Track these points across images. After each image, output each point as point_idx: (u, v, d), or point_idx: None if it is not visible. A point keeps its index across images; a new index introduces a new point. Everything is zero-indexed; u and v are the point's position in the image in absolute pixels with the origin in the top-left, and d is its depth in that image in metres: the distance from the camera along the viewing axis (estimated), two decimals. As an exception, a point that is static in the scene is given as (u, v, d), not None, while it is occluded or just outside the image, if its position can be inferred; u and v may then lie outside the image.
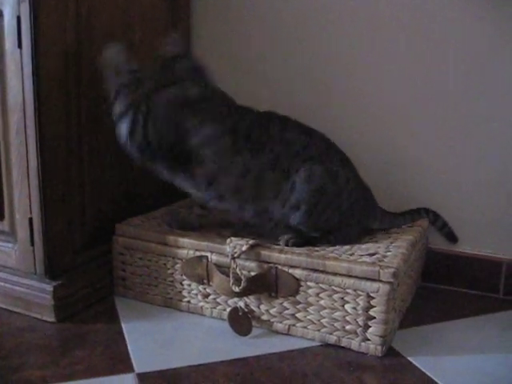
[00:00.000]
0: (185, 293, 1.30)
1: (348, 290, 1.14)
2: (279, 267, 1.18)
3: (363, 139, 1.51)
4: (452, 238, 1.47)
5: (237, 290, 1.18)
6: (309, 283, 1.17)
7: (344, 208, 1.25)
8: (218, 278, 1.22)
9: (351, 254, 1.19)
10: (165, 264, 1.31)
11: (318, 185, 1.21)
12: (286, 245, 1.23)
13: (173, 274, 1.30)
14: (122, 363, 1.10)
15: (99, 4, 1.29)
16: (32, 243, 1.23)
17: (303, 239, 1.25)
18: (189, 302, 1.30)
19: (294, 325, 1.20)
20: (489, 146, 1.43)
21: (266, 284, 1.19)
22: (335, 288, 1.15)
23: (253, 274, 1.20)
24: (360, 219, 1.30)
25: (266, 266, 1.19)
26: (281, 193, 1.22)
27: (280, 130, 1.25)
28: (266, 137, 1.24)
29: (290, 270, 1.17)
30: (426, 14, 1.43)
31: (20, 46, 1.14)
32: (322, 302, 1.16)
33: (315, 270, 1.16)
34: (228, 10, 1.65)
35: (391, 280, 1.10)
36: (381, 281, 1.10)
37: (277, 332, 1.22)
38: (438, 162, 1.48)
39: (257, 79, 1.64)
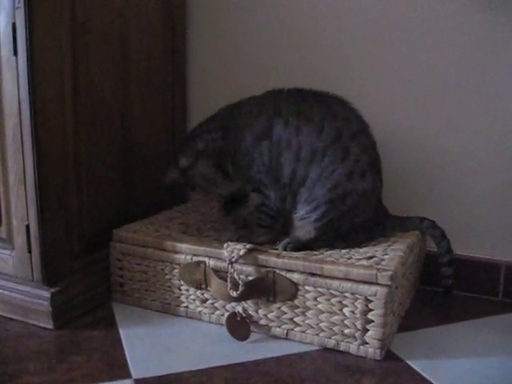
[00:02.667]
0: (183, 298, 1.30)
1: (346, 294, 1.13)
2: (277, 271, 1.18)
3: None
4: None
5: (234, 294, 1.18)
6: (307, 287, 1.16)
7: (359, 216, 1.26)
8: (215, 282, 1.22)
9: (349, 258, 1.19)
10: (162, 269, 1.31)
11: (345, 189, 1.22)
12: (285, 249, 1.23)
13: (170, 279, 1.30)
14: (120, 369, 1.09)
15: (95, 9, 1.30)
16: (29, 250, 1.23)
17: (301, 244, 1.24)
18: (187, 307, 1.30)
19: (292, 329, 1.20)
20: (489, 150, 1.43)
21: (264, 288, 1.19)
22: (333, 292, 1.14)
23: (250, 278, 1.20)
24: (368, 231, 1.30)
25: (263, 270, 1.19)
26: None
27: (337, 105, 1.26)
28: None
29: (288, 275, 1.17)
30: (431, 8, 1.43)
31: (15, 53, 1.14)
32: (320, 306, 1.16)
33: (313, 274, 1.16)
34: (223, 13, 1.65)
35: (389, 283, 1.10)
36: (378, 284, 1.10)
37: (275, 336, 1.22)
38: (437, 165, 1.48)
39: (252, 80, 1.64)
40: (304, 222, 1.25)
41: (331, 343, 1.17)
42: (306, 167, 1.22)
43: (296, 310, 1.18)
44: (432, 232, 1.37)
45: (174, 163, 1.35)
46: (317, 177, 1.21)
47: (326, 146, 1.21)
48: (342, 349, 1.16)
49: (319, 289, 1.15)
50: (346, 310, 1.14)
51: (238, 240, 1.25)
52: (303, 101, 1.26)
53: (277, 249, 1.23)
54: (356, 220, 1.25)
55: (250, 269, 1.20)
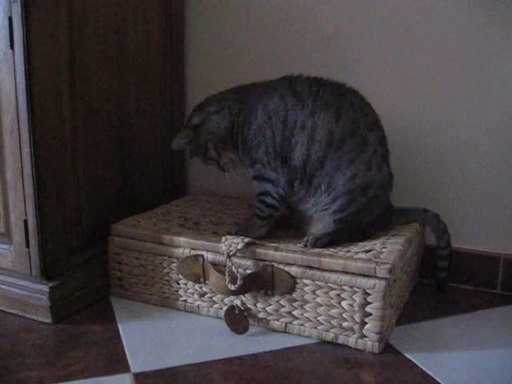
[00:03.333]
0: (181, 292, 1.30)
1: (344, 287, 1.13)
2: (275, 265, 1.18)
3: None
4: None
5: (233, 288, 1.18)
6: (305, 281, 1.16)
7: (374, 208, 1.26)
8: (214, 276, 1.22)
9: (347, 251, 1.19)
10: (161, 263, 1.31)
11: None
12: (314, 245, 1.21)
13: (169, 273, 1.30)
14: (119, 363, 1.09)
15: (92, 3, 1.29)
16: (27, 245, 1.23)
17: (332, 237, 1.23)
18: (185, 301, 1.30)
19: (290, 322, 1.20)
20: (490, 144, 1.43)
21: (262, 282, 1.19)
22: (331, 285, 1.14)
23: (249, 272, 1.20)
24: (382, 223, 1.32)
25: (261, 263, 1.19)
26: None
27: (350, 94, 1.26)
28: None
29: (286, 268, 1.17)
30: (432, 5, 1.43)
31: (12, 46, 1.14)
32: (318, 300, 1.16)
33: (311, 268, 1.16)
34: (222, 7, 1.65)
35: (387, 276, 1.10)
36: (377, 277, 1.10)
37: (273, 330, 1.22)
38: (438, 159, 1.48)
39: (251, 74, 1.62)
40: (322, 214, 1.25)
41: (329, 336, 1.17)
42: (323, 151, 1.21)
43: (294, 304, 1.19)
44: (435, 224, 1.38)
45: (186, 125, 1.33)
46: (336, 164, 1.20)
47: (344, 133, 1.20)
48: (340, 342, 1.16)
49: (317, 282, 1.15)
50: (344, 303, 1.14)
51: (235, 234, 1.25)
52: (321, 86, 1.25)
53: (306, 245, 1.22)
54: (376, 212, 1.26)
55: (248, 262, 1.20)
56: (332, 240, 1.23)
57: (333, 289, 1.14)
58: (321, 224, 1.25)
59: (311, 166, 1.22)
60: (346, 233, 1.25)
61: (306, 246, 1.22)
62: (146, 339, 1.19)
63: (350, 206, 1.22)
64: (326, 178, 1.22)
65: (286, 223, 1.35)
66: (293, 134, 1.22)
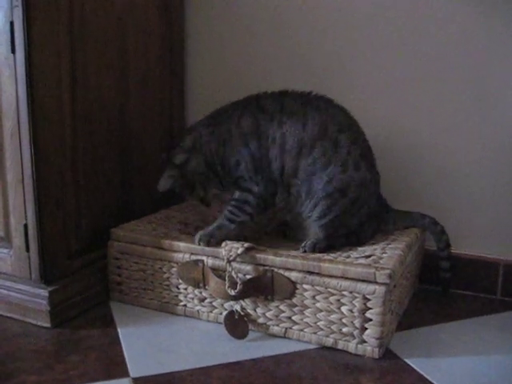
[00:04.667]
0: (181, 297, 1.30)
1: (344, 292, 1.13)
2: (275, 270, 1.18)
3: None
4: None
5: (233, 293, 1.18)
6: (305, 286, 1.16)
7: (365, 209, 1.27)
8: (213, 281, 1.22)
9: (347, 256, 1.19)
10: (160, 268, 1.30)
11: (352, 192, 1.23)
12: (313, 250, 1.22)
13: (168, 278, 1.30)
14: (118, 368, 1.09)
15: (92, 10, 1.30)
16: (27, 249, 1.23)
17: (327, 242, 1.24)
18: (185, 305, 1.30)
19: (290, 328, 1.20)
20: (488, 149, 1.43)
21: (262, 287, 1.19)
22: (331, 290, 1.14)
23: (248, 277, 1.20)
24: (374, 223, 1.32)
25: (261, 268, 1.19)
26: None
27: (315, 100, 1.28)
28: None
29: (286, 273, 1.17)
30: (429, 16, 1.44)
31: (13, 51, 1.14)
32: (318, 305, 1.16)
33: (311, 273, 1.15)
34: (221, 11, 1.65)
35: (387, 281, 1.09)
36: (377, 282, 1.10)
37: (273, 335, 1.22)
38: (436, 164, 1.48)
39: (250, 76, 1.64)
40: (310, 222, 1.25)
41: (329, 342, 1.16)
42: (294, 159, 1.23)
43: (294, 309, 1.18)
44: (433, 228, 1.39)
45: (169, 163, 1.33)
46: (311, 170, 1.22)
47: (313, 138, 1.22)
48: (340, 347, 1.16)
49: (317, 287, 1.15)
50: (344, 309, 1.14)
51: (198, 242, 1.25)
52: (285, 97, 1.27)
53: (305, 251, 1.22)
54: (362, 212, 1.26)
55: (248, 267, 1.20)
56: (329, 245, 1.23)
57: (333, 294, 1.14)
58: (312, 231, 1.25)
59: (287, 175, 1.24)
60: (339, 237, 1.25)
61: (304, 251, 1.22)
62: (145, 344, 1.18)
63: (331, 210, 1.22)
64: (303, 185, 1.23)
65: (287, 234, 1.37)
66: (268, 149, 1.24)
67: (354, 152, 1.24)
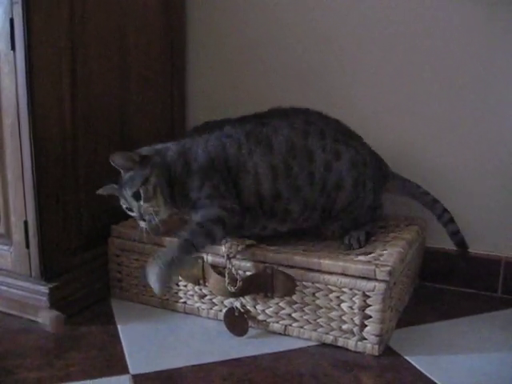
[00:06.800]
0: (181, 294, 1.30)
1: (344, 289, 1.13)
2: (275, 267, 1.18)
3: (366, 135, 1.50)
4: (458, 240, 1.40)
5: (233, 290, 1.18)
6: (305, 283, 1.16)
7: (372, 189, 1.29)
8: (213, 278, 1.22)
9: (347, 253, 1.19)
10: (161, 265, 1.30)
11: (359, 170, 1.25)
12: (359, 244, 1.23)
13: (169, 275, 1.30)
14: (118, 365, 1.09)
15: (93, 7, 1.29)
16: (27, 245, 1.23)
17: (367, 233, 1.26)
18: (185, 302, 1.30)
19: (290, 325, 1.20)
20: (489, 145, 1.43)
21: (262, 284, 1.19)
22: (331, 287, 1.14)
23: (248, 273, 1.20)
24: (380, 189, 1.33)
25: (261, 265, 1.19)
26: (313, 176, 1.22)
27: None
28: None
29: (286, 270, 1.17)
30: (429, 13, 1.43)
31: (13, 48, 1.14)
32: (318, 302, 1.16)
33: (311, 270, 1.15)
34: (222, 7, 1.65)
35: (387, 279, 1.09)
36: (377, 279, 1.10)
37: (273, 332, 1.22)
38: (437, 160, 1.48)
39: (251, 74, 1.63)
40: (326, 226, 1.29)
41: (329, 339, 1.16)
42: (273, 185, 1.21)
43: (294, 306, 1.18)
44: (425, 198, 1.39)
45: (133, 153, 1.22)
46: (298, 185, 1.21)
47: (285, 160, 1.21)
48: (339, 344, 1.16)
49: (317, 284, 1.15)
50: (344, 306, 1.14)
51: (151, 262, 1.12)
52: (246, 122, 1.25)
53: (351, 248, 1.23)
54: (370, 188, 1.28)
55: (248, 264, 1.20)
56: (367, 233, 1.27)
57: (332, 291, 1.14)
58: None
59: (267, 202, 1.22)
60: (363, 219, 1.28)
61: (351, 247, 1.23)
62: (145, 341, 1.19)
63: (335, 203, 1.24)
64: (294, 203, 1.22)
65: None
66: (239, 177, 1.21)
67: (328, 145, 1.23)
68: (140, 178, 1.18)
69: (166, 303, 1.32)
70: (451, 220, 1.38)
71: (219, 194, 1.19)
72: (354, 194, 1.24)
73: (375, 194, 1.30)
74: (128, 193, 1.19)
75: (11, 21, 1.13)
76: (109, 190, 1.25)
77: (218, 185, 1.19)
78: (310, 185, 1.22)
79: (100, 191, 1.25)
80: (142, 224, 1.21)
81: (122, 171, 1.21)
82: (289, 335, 1.20)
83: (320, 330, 1.17)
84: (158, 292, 1.11)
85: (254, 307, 1.22)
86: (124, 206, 1.23)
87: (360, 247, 1.23)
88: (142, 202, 1.19)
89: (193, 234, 1.14)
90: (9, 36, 1.14)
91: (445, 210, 1.38)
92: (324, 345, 1.17)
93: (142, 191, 1.18)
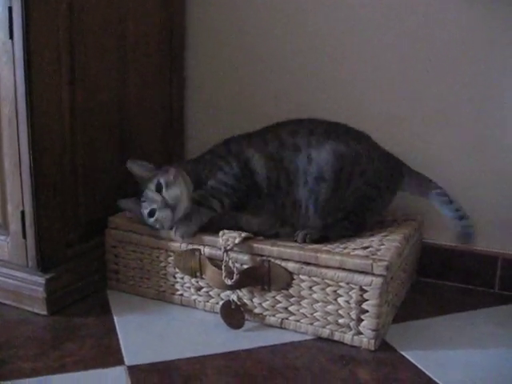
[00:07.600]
0: (177, 286, 1.30)
1: (341, 284, 1.13)
2: (272, 260, 1.17)
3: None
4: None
5: (229, 282, 1.18)
6: (301, 276, 1.16)
7: (368, 182, 1.27)
8: (210, 270, 1.22)
9: (344, 248, 1.18)
10: (157, 257, 1.30)
11: (340, 163, 1.24)
12: (304, 241, 1.21)
13: (165, 266, 1.30)
14: (113, 356, 1.09)
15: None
16: (24, 236, 1.22)
17: (319, 234, 1.23)
18: (181, 295, 1.30)
19: (286, 318, 1.20)
20: (487, 143, 1.42)
21: (259, 277, 1.19)
22: (328, 281, 1.14)
23: (245, 266, 1.20)
24: (390, 186, 1.32)
25: (258, 258, 1.19)
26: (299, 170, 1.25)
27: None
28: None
29: (283, 263, 1.17)
30: (428, 15, 1.43)
31: (11, 36, 1.13)
32: (314, 296, 1.16)
33: (308, 263, 1.15)
34: (223, 5, 1.64)
35: (384, 273, 1.09)
36: (373, 274, 1.10)
37: (269, 325, 1.21)
38: (435, 156, 1.47)
39: (251, 67, 1.63)
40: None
41: (325, 333, 1.16)
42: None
43: (291, 299, 1.18)
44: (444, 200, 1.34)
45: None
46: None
47: (283, 176, 1.26)
48: (336, 338, 1.16)
49: (314, 278, 1.15)
50: (340, 300, 1.14)
51: (175, 232, 1.22)
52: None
53: (295, 241, 1.22)
54: (366, 180, 1.27)
55: (245, 257, 1.20)
56: (322, 237, 1.24)
57: (329, 285, 1.14)
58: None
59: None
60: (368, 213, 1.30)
61: (295, 240, 1.22)
62: (141, 332, 1.18)
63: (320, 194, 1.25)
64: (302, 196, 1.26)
65: None
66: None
67: (314, 140, 1.25)
68: (162, 172, 1.27)
69: (163, 295, 1.32)
70: (460, 208, 1.32)
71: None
72: (336, 185, 1.24)
73: (379, 190, 1.29)
74: (151, 187, 1.24)
75: (10, 9, 1.12)
76: (128, 204, 1.31)
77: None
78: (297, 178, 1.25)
79: (121, 204, 1.32)
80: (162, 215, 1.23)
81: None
82: (285, 328, 1.20)
83: (316, 323, 1.17)
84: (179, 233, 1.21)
85: (251, 300, 1.22)
86: (145, 212, 1.25)
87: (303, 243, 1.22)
88: (164, 191, 1.23)
89: (201, 195, 1.24)
90: (7, 25, 1.13)
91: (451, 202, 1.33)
92: (320, 339, 1.17)
93: (162, 181, 1.24)
